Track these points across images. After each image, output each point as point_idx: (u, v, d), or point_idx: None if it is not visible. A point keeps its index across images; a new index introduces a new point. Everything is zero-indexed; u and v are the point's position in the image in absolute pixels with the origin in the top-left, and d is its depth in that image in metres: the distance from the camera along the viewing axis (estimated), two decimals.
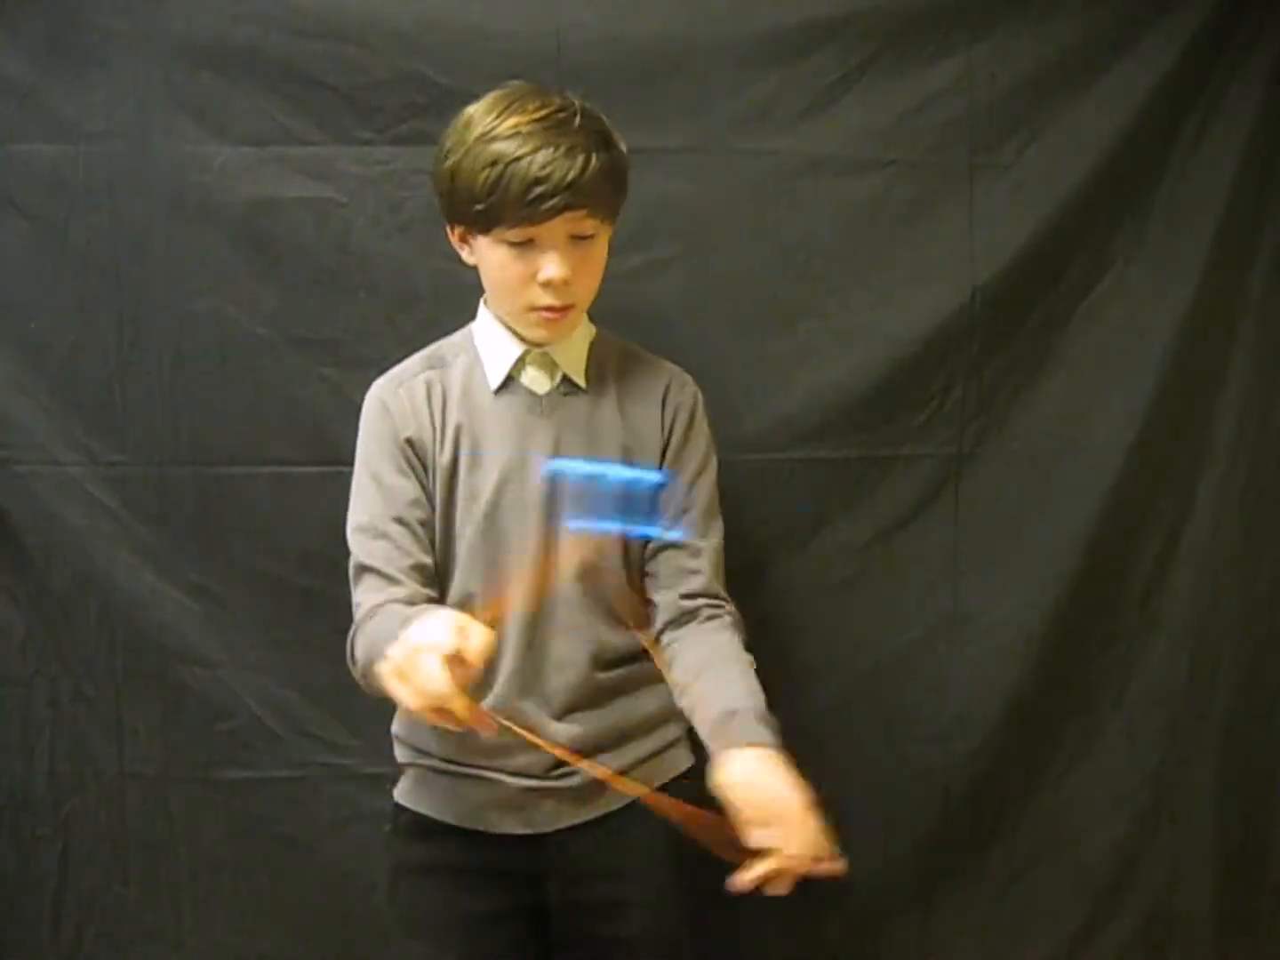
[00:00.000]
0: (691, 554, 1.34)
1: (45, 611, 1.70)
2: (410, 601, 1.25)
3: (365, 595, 1.30)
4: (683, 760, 1.41)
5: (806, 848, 1.11)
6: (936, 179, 1.69)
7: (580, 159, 1.19)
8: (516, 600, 1.29)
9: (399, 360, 1.38)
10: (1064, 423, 1.73)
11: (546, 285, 1.24)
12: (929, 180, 1.68)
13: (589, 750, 1.31)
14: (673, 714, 1.36)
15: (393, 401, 1.33)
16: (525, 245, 1.23)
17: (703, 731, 1.25)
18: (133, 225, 1.64)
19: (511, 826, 1.34)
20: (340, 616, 1.68)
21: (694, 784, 1.39)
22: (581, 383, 1.34)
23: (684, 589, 1.34)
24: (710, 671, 1.29)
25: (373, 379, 1.62)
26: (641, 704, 1.37)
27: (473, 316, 1.38)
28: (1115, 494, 1.73)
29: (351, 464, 1.36)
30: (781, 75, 1.65)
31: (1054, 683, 1.75)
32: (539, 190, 1.18)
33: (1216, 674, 1.77)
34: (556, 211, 1.20)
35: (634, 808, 1.32)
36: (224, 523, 1.68)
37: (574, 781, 1.33)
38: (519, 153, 1.19)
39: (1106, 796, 1.77)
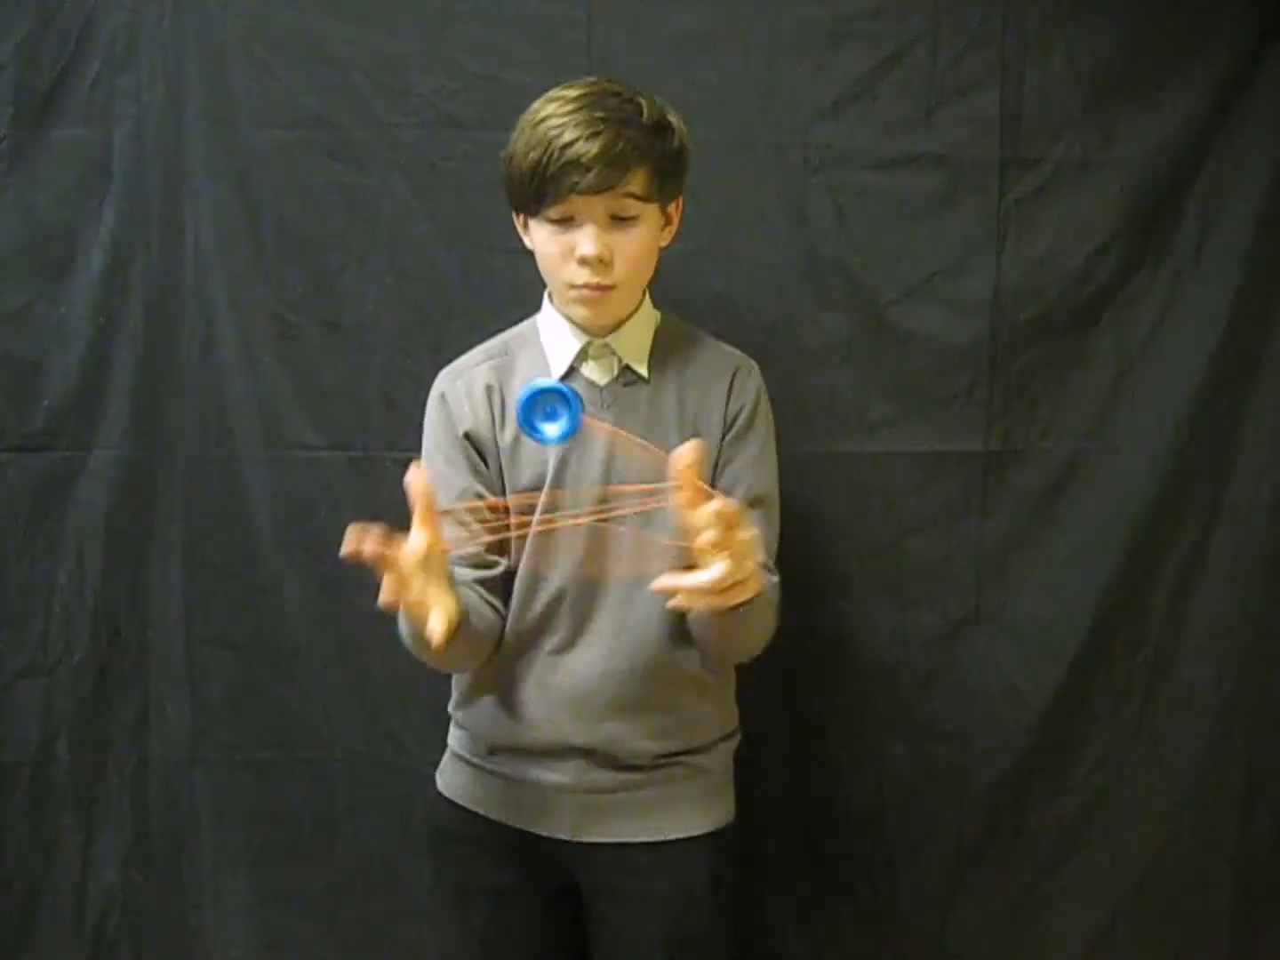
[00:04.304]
0: None
1: (67, 600, 1.70)
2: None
3: None
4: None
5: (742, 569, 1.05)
6: (966, 174, 1.67)
7: (610, 137, 1.20)
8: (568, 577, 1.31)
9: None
10: (1092, 422, 1.71)
11: (583, 263, 1.25)
12: (959, 175, 1.67)
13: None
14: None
15: (450, 394, 1.34)
16: (565, 223, 1.25)
17: None
18: (163, 208, 1.64)
19: (538, 828, 1.35)
20: (373, 602, 1.68)
21: None
22: (644, 372, 1.35)
23: None
24: None
25: (399, 365, 1.63)
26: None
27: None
28: (1144, 495, 1.71)
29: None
30: (811, 67, 1.64)
31: (1080, 685, 1.74)
32: (570, 167, 1.20)
33: (1245, 677, 1.75)
34: (589, 189, 1.21)
35: (667, 846, 1.33)
36: (251, 508, 1.68)
37: (601, 799, 1.34)
38: (554, 132, 1.21)
39: (1131, 799, 1.75)
